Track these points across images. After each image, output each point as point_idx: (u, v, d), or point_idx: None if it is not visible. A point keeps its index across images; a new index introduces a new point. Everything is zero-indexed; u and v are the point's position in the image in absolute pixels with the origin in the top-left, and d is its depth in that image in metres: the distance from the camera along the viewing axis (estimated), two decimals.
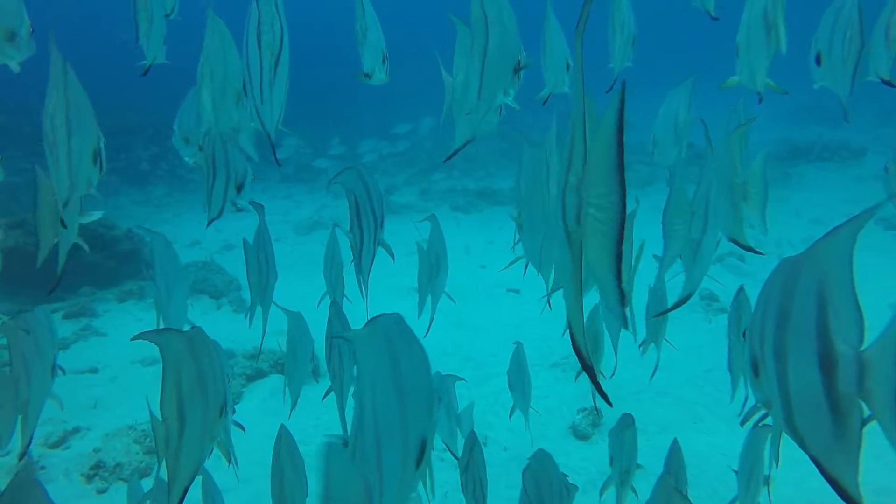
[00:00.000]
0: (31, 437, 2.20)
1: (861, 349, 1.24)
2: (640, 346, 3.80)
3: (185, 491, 1.87)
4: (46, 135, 1.80)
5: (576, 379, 4.08)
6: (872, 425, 1.26)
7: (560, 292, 3.20)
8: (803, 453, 1.32)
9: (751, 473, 2.68)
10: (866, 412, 1.26)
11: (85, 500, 4.09)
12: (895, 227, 8.86)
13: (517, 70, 2.22)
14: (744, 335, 3.17)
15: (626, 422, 2.85)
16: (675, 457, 2.81)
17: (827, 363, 1.26)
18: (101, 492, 4.11)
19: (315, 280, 4.26)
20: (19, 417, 2.24)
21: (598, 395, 3.88)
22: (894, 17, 2.58)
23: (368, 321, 1.42)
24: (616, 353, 3.56)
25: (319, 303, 4.12)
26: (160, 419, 1.81)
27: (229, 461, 3.09)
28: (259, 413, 4.89)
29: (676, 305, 2.60)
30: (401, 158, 14.41)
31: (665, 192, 2.70)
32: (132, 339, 1.98)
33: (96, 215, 2.24)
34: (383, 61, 3.01)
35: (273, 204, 13.02)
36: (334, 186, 2.76)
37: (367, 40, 2.92)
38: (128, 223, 10.08)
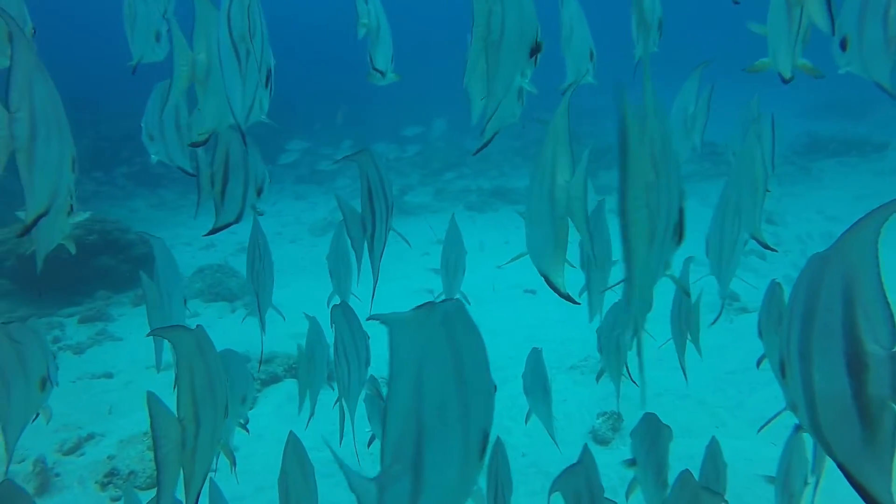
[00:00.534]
0: (12, 452, 2.13)
1: (894, 349, 1.17)
2: (660, 346, 3.73)
3: (199, 494, 1.83)
4: (20, 141, 1.70)
5: (598, 380, 3.97)
6: None
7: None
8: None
9: (786, 481, 2.57)
10: None
11: None
12: None
13: (535, 51, 2.06)
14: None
15: (655, 422, 2.75)
16: (713, 458, 2.71)
17: (856, 365, 1.19)
18: (115, 500, 4.08)
19: (329, 282, 4.21)
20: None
21: (621, 398, 3.79)
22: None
23: (423, 305, 1.31)
24: (641, 354, 3.45)
25: (329, 302, 4.08)
26: (176, 419, 1.77)
27: (234, 465, 3.03)
28: (274, 419, 4.84)
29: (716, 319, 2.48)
30: (417, 157, 14.36)
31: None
32: (147, 336, 1.92)
33: (84, 215, 2.17)
34: (392, 60, 2.94)
35: (287, 205, 13.02)
36: (345, 189, 2.69)
37: (379, 38, 2.85)
38: (143, 227, 10.12)
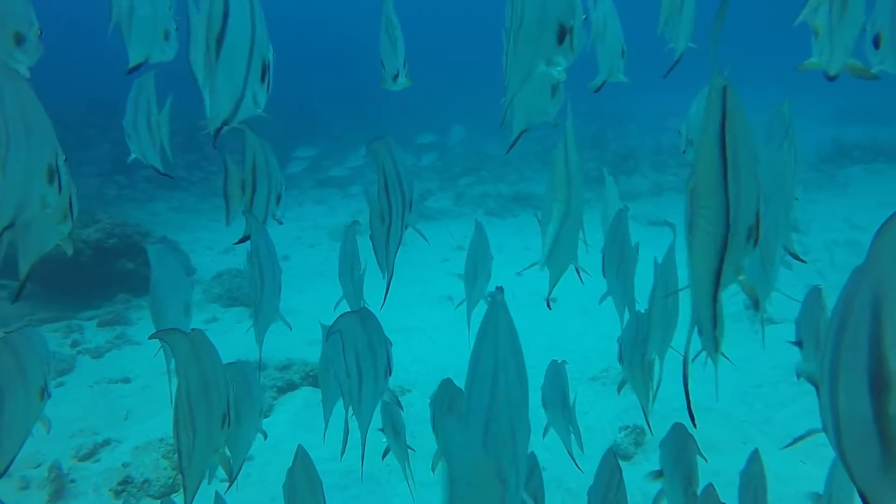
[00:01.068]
0: (11, 462, 2.06)
1: None
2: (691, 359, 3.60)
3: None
4: None
5: (619, 392, 3.86)
6: None
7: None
8: None
9: (832, 500, 2.45)
10: None
11: None
12: None
13: (563, 33, 1.77)
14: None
15: (682, 432, 2.65)
16: (754, 473, 2.59)
17: (878, 383, 1.13)
18: None
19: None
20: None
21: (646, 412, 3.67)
22: None
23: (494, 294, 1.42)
24: (661, 366, 3.35)
25: (336, 307, 4.01)
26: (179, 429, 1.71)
27: (231, 477, 2.96)
28: (290, 427, 4.78)
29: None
30: (437, 162, 14.30)
31: None
32: (150, 339, 1.87)
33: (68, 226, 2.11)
34: (404, 65, 2.87)
35: (307, 209, 13.01)
36: (357, 196, 2.61)
37: (395, 44, 2.78)
38: (164, 230, 10.15)
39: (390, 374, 2.80)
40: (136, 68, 2.56)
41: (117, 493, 4.08)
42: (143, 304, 7.68)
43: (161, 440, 4.40)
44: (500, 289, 1.49)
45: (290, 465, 2.47)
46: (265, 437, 2.89)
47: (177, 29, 2.68)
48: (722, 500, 2.45)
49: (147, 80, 3.06)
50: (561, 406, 3.20)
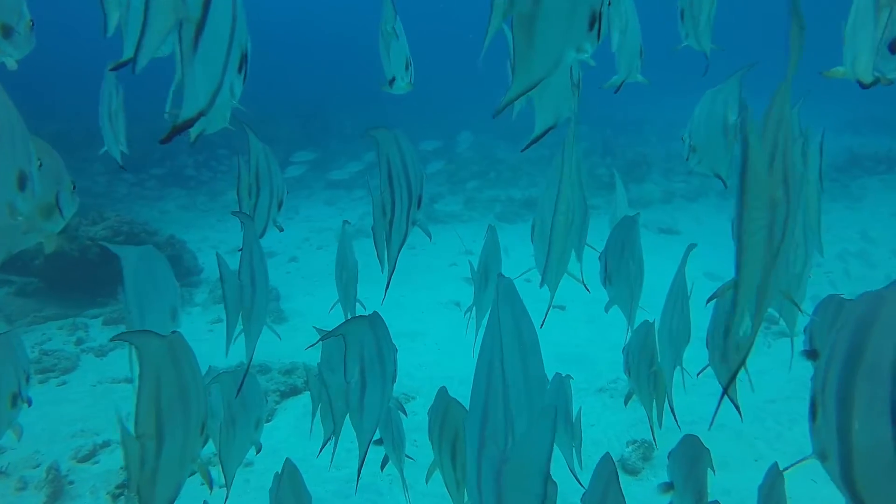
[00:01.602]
0: None
1: None
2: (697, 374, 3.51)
3: None
4: None
5: (626, 404, 3.76)
6: None
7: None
8: None
9: None
10: None
11: None
12: None
13: (595, 19, 1.64)
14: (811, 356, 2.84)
15: (696, 444, 2.56)
16: (774, 487, 2.50)
17: None
18: None
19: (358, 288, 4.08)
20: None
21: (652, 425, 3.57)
22: None
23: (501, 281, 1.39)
24: (671, 380, 3.26)
25: (331, 310, 3.94)
26: (134, 435, 1.61)
27: (211, 487, 2.87)
28: (291, 434, 4.71)
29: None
30: (450, 165, 14.23)
31: (716, 206, 2.38)
32: (111, 340, 1.78)
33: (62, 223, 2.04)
34: (407, 68, 2.78)
35: (316, 210, 12.97)
36: (362, 199, 2.50)
37: (392, 46, 2.70)
38: (173, 228, 10.13)
39: (394, 381, 2.71)
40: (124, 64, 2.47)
41: (115, 497, 4.02)
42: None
43: None
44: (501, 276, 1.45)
45: (277, 478, 2.39)
46: (258, 451, 2.81)
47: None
48: None
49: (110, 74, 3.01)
50: (563, 421, 3.11)
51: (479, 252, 3.43)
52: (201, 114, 1.37)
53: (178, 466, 1.64)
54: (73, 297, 7.61)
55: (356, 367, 2.51)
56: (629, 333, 3.18)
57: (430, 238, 2.81)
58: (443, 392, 2.71)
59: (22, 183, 1.63)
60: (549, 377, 3.38)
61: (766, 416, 4.69)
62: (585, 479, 3.48)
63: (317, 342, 2.57)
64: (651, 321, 3.09)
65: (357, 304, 3.88)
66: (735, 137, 3.09)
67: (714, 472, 2.54)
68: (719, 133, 2.94)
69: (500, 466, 1.25)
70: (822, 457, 1.35)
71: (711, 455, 2.56)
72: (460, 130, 13.97)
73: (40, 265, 7.67)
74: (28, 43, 2.05)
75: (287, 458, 2.42)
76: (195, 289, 8.10)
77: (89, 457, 4.48)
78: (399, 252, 2.47)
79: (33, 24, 2.03)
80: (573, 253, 3.06)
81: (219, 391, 2.59)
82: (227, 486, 2.64)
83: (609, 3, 1.72)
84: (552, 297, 2.46)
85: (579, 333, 6.29)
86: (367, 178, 13.86)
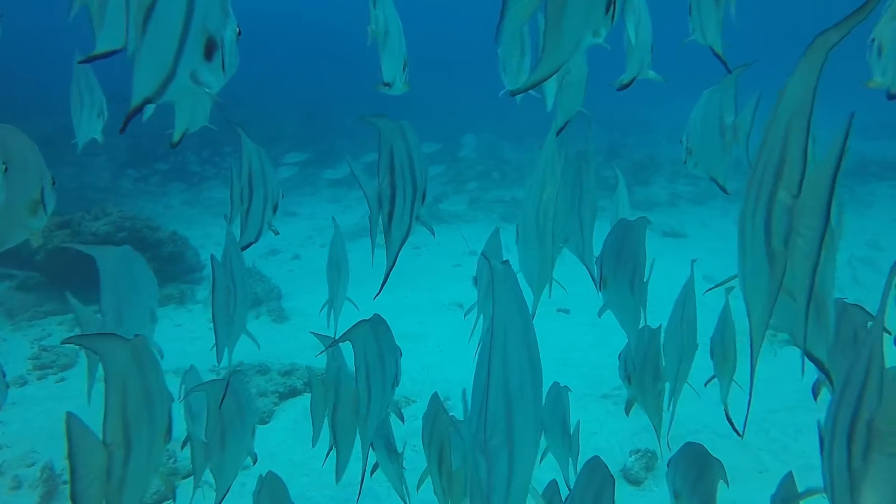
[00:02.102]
0: None
1: None
2: (705, 384, 3.44)
3: None
4: None
5: (627, 413, 3.67)
6: None
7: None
8: None
9: None
10: None
11: None
12: None
13: (610, 2, 1.67)
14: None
15: (702, 453, 2.47)
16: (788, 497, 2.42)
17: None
18: None
19: (357, 290, 4.03)
20: None
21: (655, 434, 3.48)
22: None
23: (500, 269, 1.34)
24: (676, 392, 3.18)
25: (321, 310, 3.88)
26: (101, 445, 1.55)
27: (174, 497, 2.80)
28: (289, 437, 4.64)
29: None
30: (456, 165, 14.16)
31: (722, 210, 2.29)
32: (62, 343, 1.72)
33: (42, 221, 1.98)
34: (403, 68, 2.70)
35: (321, 208, 12.92)
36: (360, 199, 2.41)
37: (387, 45, 2.62)
38: (177, 224, 10.09)
39: (397, 385, 2.63)
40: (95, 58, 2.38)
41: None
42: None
43: None
44: (506, 262, 1.41)
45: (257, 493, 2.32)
46: (254, 462, 2.75)
47: None
48: None
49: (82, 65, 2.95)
50: (561, 433, 3.03)
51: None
52: (148, 101, 1.30)
53: (144, 476, 1.58)
54: (74, 292, 7.57)
55: (363, 374, 2.44)
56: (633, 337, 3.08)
57: (434, 234, 2.73)
58: (435, 398, 2.65)
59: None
60: (550, 384, 3.30)
61: (771, 426, 4.61)
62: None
63: (322, 351, 2.51)
64: (654, 327, 3.00)
65: (348, 303, 3.81)
66: (732, 139, 2.96)
67: (728, 484, 2.45)
68: (715, 135, 2.83)
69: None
70: (829, 491, 1.34)
71: (724, 466, 2.46)
72: (464, 132, 13.90)
73: (42, 260, 7.63)
74: None
75: (269, 471, 2.36)
76: (197, 286, 8.05)
77: None
78: (400, 248, 2.36)
79: (2, 16, 1.96)
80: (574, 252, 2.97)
81: (207, 396, 2.52)
82: (219, 500, 2.58)
83: None
84: (535, 304, 2.37)
85: (583, 338, 6.21)
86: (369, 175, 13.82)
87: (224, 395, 2.34)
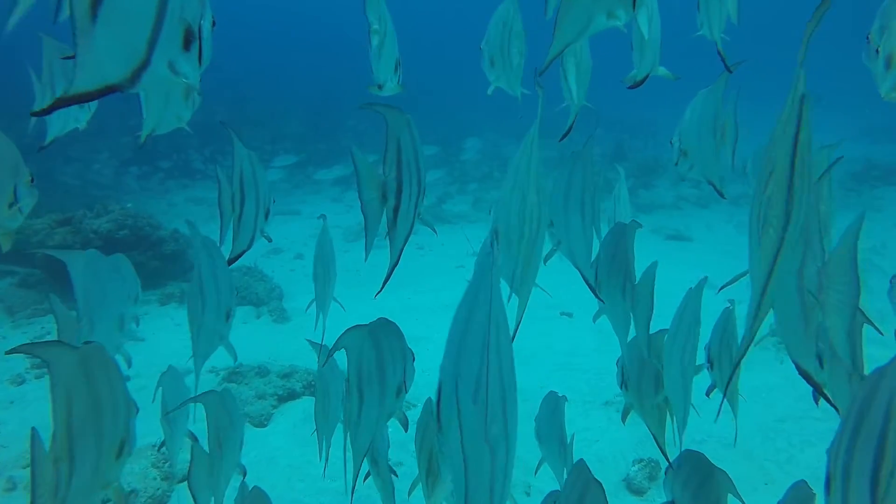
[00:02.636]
0: None
1: None
2: (707, 394, 3.36)
3: None
4: None
5: (623, 420, 3.58)
6: None
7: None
8: None
9: None
10: None
11: None
12: None
13: None
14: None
15: (703, 463, 2.40)
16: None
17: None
18: None
19: (360, 291, 3.98)
20: None
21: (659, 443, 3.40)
22: None
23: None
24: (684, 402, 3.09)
25: (307, 309, 3.82)
26: (49, 457, 1.46)
27: None
28: (288, 440, 4.58)
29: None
30: (462, 165, 14.09)
31: (728, 214, 2.20)
32: (6, 354, 1.64)
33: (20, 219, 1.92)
34: (396, 69, 2.63)
35: (323, 207, 12.87)
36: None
37: (383, 48, 2.56)
38: (180, 222, 10.04)
39: (405, 392, 2.55)
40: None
41: (104, 502, 3.92)
42: (151, 299, 7.55)
43: (153, 446, 4.23)
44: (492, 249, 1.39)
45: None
46: (244, 476, 2.69)
47: None
48: None
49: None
50: (559, 444, 2.95)
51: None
52: (112, 88, 1.21)
53: (88, 493, 1.49)
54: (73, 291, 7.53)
55: (355, 380, 2.35)
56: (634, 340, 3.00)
57: (436, 233, 2.66)
58: (428, 404, 2.59)
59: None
60: (548, 391, 3.23)
61: (777, 435, 4.54)
62: None
63: (326, 360, 2.44)
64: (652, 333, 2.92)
65: (350, 304, 3.74)
66: (724, 140, 2.85)
67: (739, 498, 2.37)
68: (711, 136, 2.73)
69: (494, 446, 1.25)
70: None
71: (729, 477, 2.38)
72: (467, 133, 13.84)
73: (43, 257, 7.59)
74: None
75: (255, 486, 2.30)
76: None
77: None
78: (404, 245, 2.29)
79: None
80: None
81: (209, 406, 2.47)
82: None
83: None
84: (521, 311, 2.28)
85: (586, 342, 6.14)
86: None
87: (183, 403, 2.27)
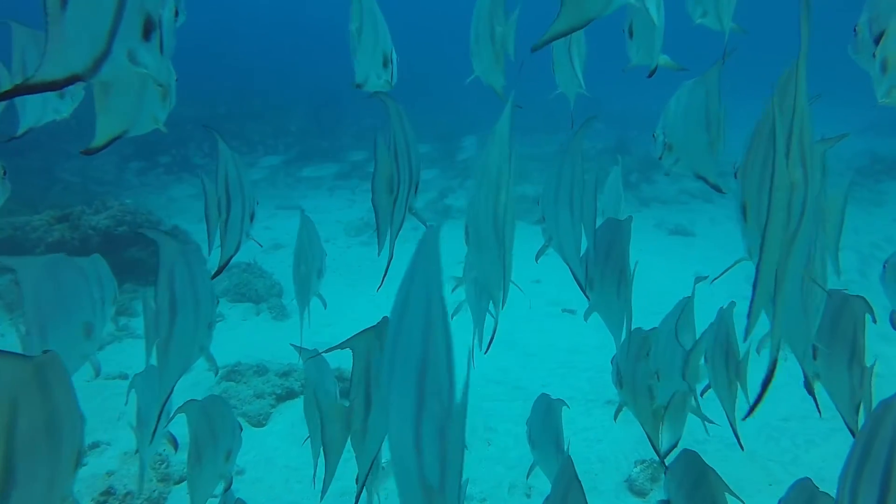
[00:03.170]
0: None
1: None
2: (701, 393, 3.30)
3: None
4: None
5: (615, 418, 3.51)
6: None
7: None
8: None
9: None
10: None
11: None
12: None
13: None
14: None
15: (696, 461, 2.35)
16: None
17: None
18: None
19: (362, 286, 3.92)
20: None
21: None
22: None
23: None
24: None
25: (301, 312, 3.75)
26: None
27: None
28: (285, 440, 4.54)
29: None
30: (463, 162, 14.02)
31: (732, 207, 2.10)
32: None
33: None
34: (385, 64, 2.54)
35: (325, 202, 12.81)
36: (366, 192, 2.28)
37: (360, 45, 2.47)
38: (180, 217, 10.00)
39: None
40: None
41: None
42: (148, 295, 7.50)
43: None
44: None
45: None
46: (229, 486, 2.63)
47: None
48: None
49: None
50: (555, 449, 2.89)
51: None
52: (76, 78, 1.16)
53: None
54: None
55: (361, 386, 2.28)
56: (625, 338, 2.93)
57: (426, 227, 2.59)
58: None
59: None
60: (551, 388, 3.18)
61: (781, 435, 4.48)
62: (589, 498, 3.29)
63: (329, 353, 2.37)
64: (645, 329, 2.85)
65: (316, 300, 3.65)
66: (719, 133, 2.74)
67: (737, 497, 2.32)
68: (701, 129, 2.60)
69: (443, 423, 1.15)
70: None
71: (720, 476, 2.32)
72: (466, 130, 13.76)
73: (42, 254, 7.55)
74: None
75: (238, 498, 2.25)
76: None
77: None
78: (396, 237, 2.32)
79: None
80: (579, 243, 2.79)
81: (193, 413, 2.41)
82: None
83: None
84: (497, 313, 2.21)
85: (589, 340, 6.08)
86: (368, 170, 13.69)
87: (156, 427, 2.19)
